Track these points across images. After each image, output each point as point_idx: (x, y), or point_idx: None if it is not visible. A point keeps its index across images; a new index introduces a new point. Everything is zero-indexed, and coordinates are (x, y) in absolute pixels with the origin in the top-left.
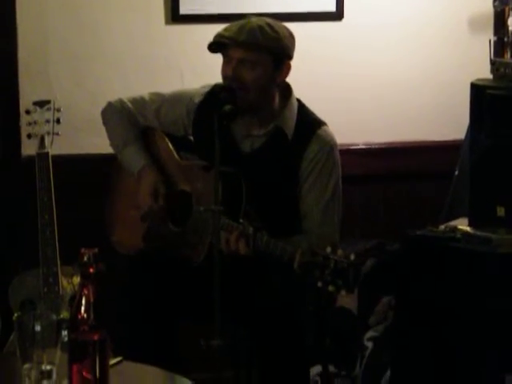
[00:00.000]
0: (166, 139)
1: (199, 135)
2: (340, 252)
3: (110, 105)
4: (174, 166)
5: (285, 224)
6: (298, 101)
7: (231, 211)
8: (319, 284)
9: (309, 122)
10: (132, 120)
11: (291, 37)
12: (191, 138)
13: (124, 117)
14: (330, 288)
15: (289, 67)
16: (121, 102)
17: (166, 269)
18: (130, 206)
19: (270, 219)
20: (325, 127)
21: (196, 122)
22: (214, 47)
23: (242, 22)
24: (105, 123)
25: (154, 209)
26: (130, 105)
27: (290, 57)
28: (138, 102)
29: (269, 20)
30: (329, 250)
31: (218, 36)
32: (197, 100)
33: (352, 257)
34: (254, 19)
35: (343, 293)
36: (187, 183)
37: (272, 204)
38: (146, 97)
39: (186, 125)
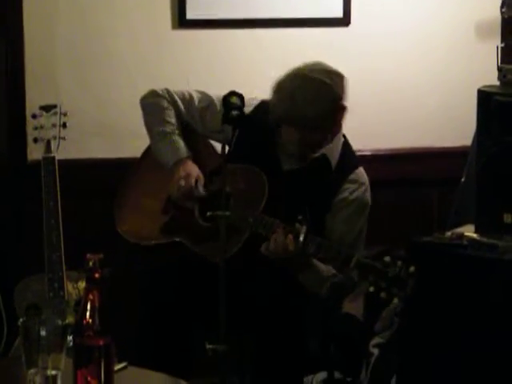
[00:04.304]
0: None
1: (239, 146)
2: (399, 263)
3: (154, 91)
4: (214, 165)
5: None
6: (344, 136)
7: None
8: (371, 289)
9: (351, 158)
10: (177, 113)
11: (341, 80)
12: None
13: (170, 107)
14: (382, 294)
15: (343, 111)
16: (168, 93)
17: (173, 274)
18: (149, 195)
19: None
20: (362, 168)
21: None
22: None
23: (296, 95)
24: (146, 107)
25: (186, 201)
26: (178, 100)
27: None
28: (186, 99)
29: (319, 76)
30: (387, 259)
31: (285, 119)
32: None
33: (412, 269)
34: (308, 85)
35: (395, 301)
36: (227, 183)
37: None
38: (194, 95)
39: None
